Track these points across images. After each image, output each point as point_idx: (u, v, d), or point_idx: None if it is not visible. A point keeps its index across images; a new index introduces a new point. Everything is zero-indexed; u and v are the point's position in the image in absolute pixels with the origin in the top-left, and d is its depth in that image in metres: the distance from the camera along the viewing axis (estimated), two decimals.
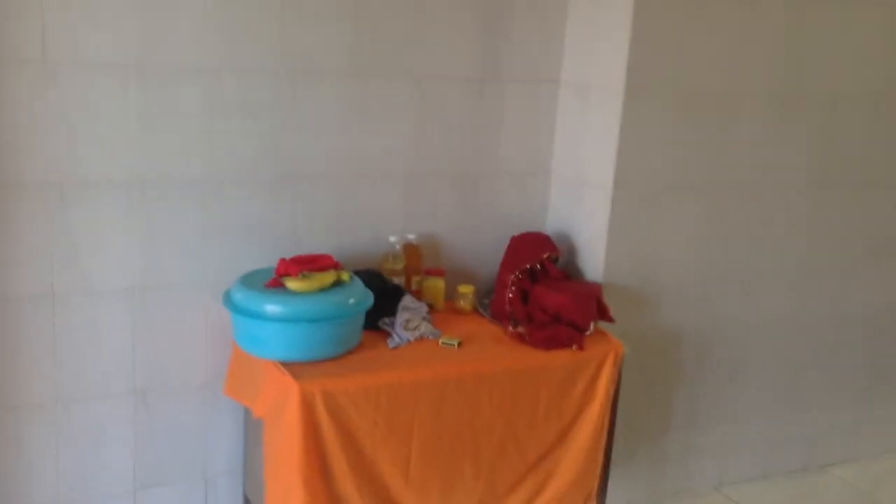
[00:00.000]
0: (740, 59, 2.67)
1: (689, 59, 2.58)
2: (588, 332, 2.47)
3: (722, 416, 3.02)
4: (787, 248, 2.95)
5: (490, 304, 2.60)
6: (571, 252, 2.72)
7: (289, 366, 2.10)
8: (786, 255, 2.96)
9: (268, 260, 2.32)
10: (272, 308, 2.10)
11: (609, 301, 2.57)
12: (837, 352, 3.19)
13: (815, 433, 3.24)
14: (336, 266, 2.27)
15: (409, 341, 2.31)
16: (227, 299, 2.18)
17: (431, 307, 2.50)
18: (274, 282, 2.18)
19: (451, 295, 2.60)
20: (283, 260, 2.23)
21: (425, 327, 2.37)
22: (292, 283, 2.16)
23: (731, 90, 2.68)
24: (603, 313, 2.54)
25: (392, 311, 2.37)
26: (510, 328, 2.45)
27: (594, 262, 2.65)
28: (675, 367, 2.87)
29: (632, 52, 2.47)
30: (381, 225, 2.54)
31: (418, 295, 2.51)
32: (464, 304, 2.59)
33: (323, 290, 2.17)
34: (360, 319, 2.24)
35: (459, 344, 2.33)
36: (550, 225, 2.79)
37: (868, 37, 2.88)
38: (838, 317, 3.14)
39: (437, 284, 2.56)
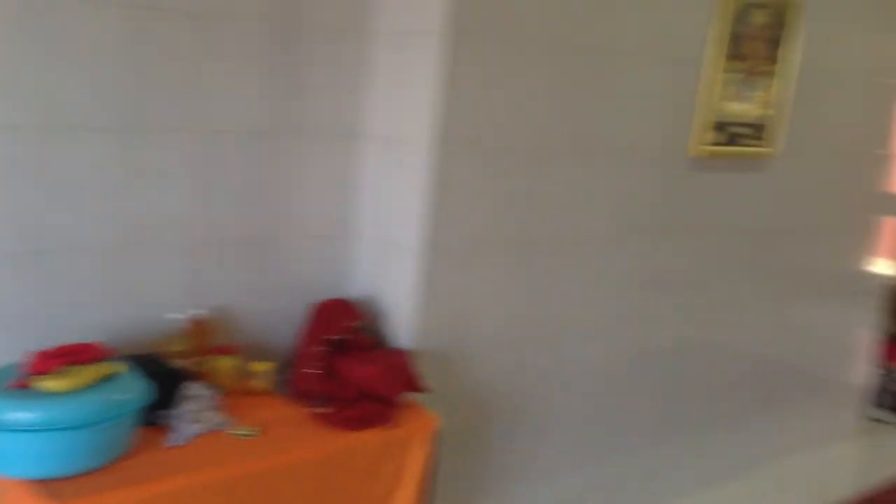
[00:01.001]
0: (547, 113, 2.59)
1: (498, 112, 2.46)
2: (399, 406, 2.27)
3: (534, 474, 2.91)
4: (591, 298, 2.89)
5: (291, 382, 2.35)
6: (380, 317, 2.52)
7: (44, 485, 1.75)
8: (593, 305, 2.90)
9: (14, 354, 1.94)
10: (19, 415, 1.74)
11: (422, 368, 2.39)
12: (639, 396, 3.17)
13: (620, 480, 3.20)
14: (105, 355, 1.94)
15: (194, 436, 2.01)
16: None
17: (222, 391, 2.21)
18: (21, 382, 1.82)
19: (245, 375, 2.32)
20: (35, 353, 1.87)
21: (214, 417, 2.08)
22: (48, 382, 1.80)
23: (540, 144, 2.59)
24: (414, 384, 2.36)
25: (174, 402, 2.06)
26: (314, 409, 2.20)
27: (404, 327, 2.46)
28: (490, 430, 2.73)
29: (440, 105, 2.32)
30: (160, 301, 2.23)
31: (206, 378, 2.21)
32: (260, 384, 2.31)
33: (88, 387, 1.83)
34: (134, 418, 1.91)
35: (255, 433, 2.06)
36: (355, 289, 2.57)
37: (653, 91, 2.90)
38: (639, 359, 3.13)
39: (229, 364, 2.27)
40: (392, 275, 2.49)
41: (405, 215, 2.43)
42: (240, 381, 2.29)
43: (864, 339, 4.05)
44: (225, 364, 2.26)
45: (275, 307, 2.44)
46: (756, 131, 3.19)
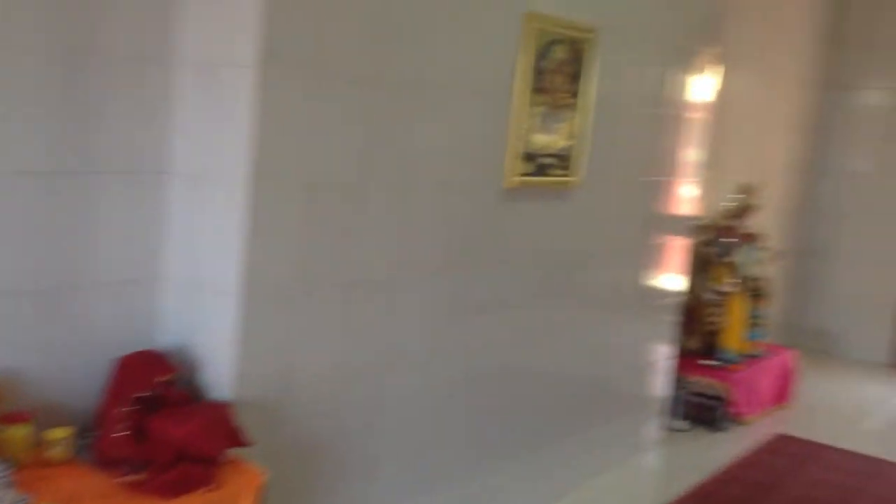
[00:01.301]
0: (363, 146, 2.52)
1: (313, 146, 2.37)
2: (222, 464, 2.10)
3: None
4: (414, 330, 2.85)
5: (96, 447, 2.11)
6: (195, 368, 2.33)
7: None
8: (416, 338, 2.86)
9: None
10: None
11: (243, 420, 2.22)
12: (463, 424, 3.16)
13: None
14: None
15: None
16: None
17: (15, 465, 1.94)
18: None
19: (41, 444, 2.06)
20: None
21: (7, 496, 1.82)
22: None
23: (358, 178, 2.52)
24: (236, 438, 2.19)
25: None
26: (125, 477, 1.99)
27: (222, 377, 2.29)
28: (319, 476, 2.60)
29: (252, 140, 2.19)
30: None
31: None
32: (59, 453, 2.06)
33: None
34: None
35: None
36: (165, 339, 2.37)
37: (466, 123, 2.92)
38: (462, 387, 3.11)
39: (20, 433, 2.01)
40: (207, 321, 2.31)
41: (219, 256, 2.27)
42: (35, 451, 2.03)
43: (663, 354, 4.28)
44: (16, 434, 2.00)
45: (72, 364, 2.19)
46: (562, 161, 3.30)
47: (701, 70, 4.04)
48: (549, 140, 3.22)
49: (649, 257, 4.02)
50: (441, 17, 2.71)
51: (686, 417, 4.54)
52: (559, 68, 3.21)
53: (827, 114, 6.49)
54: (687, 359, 4.61)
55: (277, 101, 2.24)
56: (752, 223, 5.04)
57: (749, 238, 4.95)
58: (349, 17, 2.40)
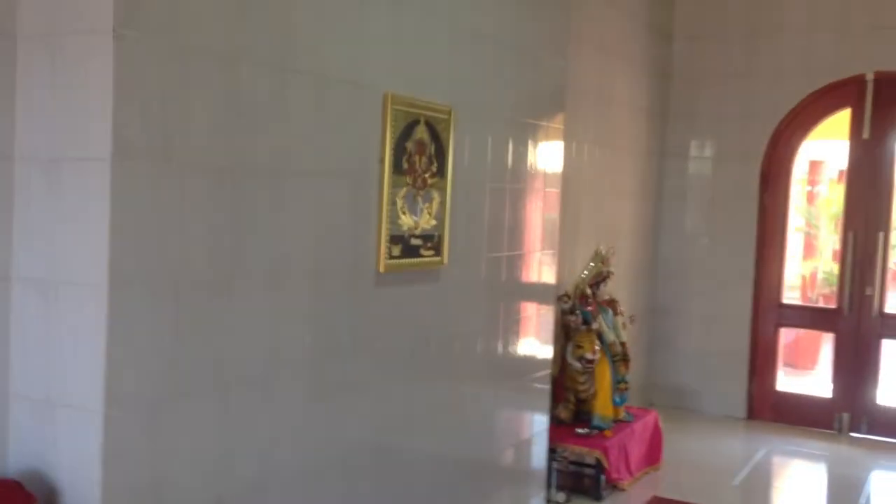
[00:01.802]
0: (228, 240, 2.40)
1: (173, 243, 2.24)
2: None
3: None
4: (291, 428, 2.71)
5: None
6: (52, 496, 2.09)
7: None
8: (291, 435, 2.71)
9: None
10: None
11: None
12: None
13: None
14: None
15: None
16: None
17: None
18: None
19: None
20: None
21: None
22: None
23: (224, 275, 2.40)
24: None
25: None
26: None
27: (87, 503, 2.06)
28: None
29: (108, 241, 2.03)
30: None
31: None
32: None
33: None
34: None
35: None
36: (16, 464, 2.12)
37: (336, 209, 2.86)
38: (332, 475, 2.99)
39: None
40: (65, 442, 2.09)
41: (79, 370, 2.07)
42: None
43: (537, 426, 4.27)
44: None
45: None
46: (429, 241, 3.28)
47: (549, 144, 4.18)
48: (415, 221, 3.20)
49: (517, 330, 4.05)
50: (299, 102, 2.66)
51: (563, 488, 4.53)
52: (420, 148, 3.22)
53: (663, 181, 6.88)
54: (559, 429, 4.63)
55: (131, 197, 2.10)
56: (609, 289, 5.20)
57: (608, 304, 5.09)
58: (203, 107, 2.31)
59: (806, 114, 6.53)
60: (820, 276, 11.47)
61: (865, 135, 6.36)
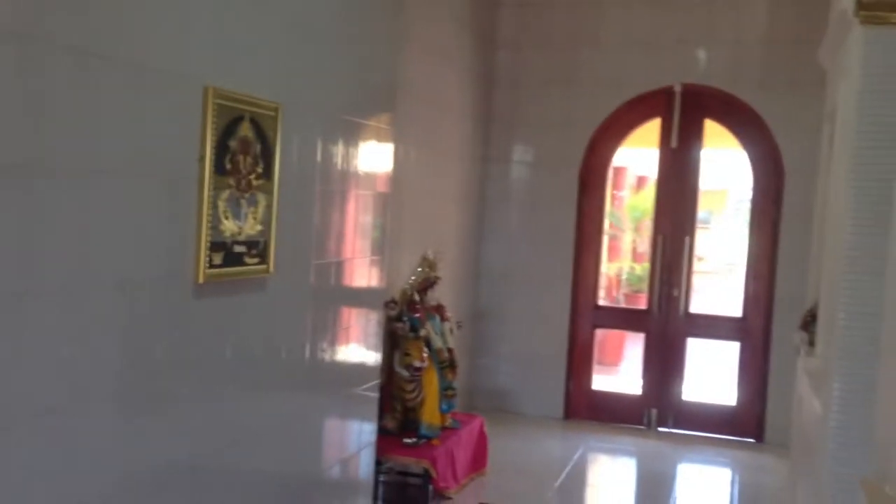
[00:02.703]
0: (24, 250, 2.09)
1: None
2: None
3: None
4: (100, 453, 2.41)
5: None
6: None
7: None
8: (100, 458, 2.42)
9: None
10: None
11: None
12: None
13: None
14: None
15: None
16: None
17: None
18: None
19: None
20: None
21: None
22: None
23: (17, 288, 2.08)
24: None
25: None
26: None
27: None
28: None
29: None
30: None
31: None
32: None
33: None
34: None
35: None
36: None
37: (151, 215, 2.59)
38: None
39: None
40: None
41: None
42: None
43: (365, 436, 4.13)
44: None
45: None
46: (254, 249, 3.05)
47: (379, 146, 4.05)
48: (239, 226, 2.96)
49: (346, 340, 3.88)
50: (107, 93, 2.36)
51: (391, 499, 4.42)
52: (245, 147, 2.98)
53: (487, 185, 6.93)
54: (387, 439, 4.51)
55: None
56: (436, 295, 5.14)
57: (435, 310, 5.02)
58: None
59: (620, 122, 6.79)
60: (623, 276, 12.10)
61: (674, 143, 6.69)
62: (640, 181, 15.40)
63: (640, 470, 5.96)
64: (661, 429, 6.59)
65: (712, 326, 6.83)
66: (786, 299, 6.23)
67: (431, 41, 5.65)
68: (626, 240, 13.05)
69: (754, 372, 6.45)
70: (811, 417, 3.62)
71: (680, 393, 6.67)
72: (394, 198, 4.45)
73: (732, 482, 5.56)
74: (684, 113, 6.63)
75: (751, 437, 6.41)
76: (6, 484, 2.09)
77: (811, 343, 3.93)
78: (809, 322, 3.99)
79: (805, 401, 4.03)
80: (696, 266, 7.15)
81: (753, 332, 6.48)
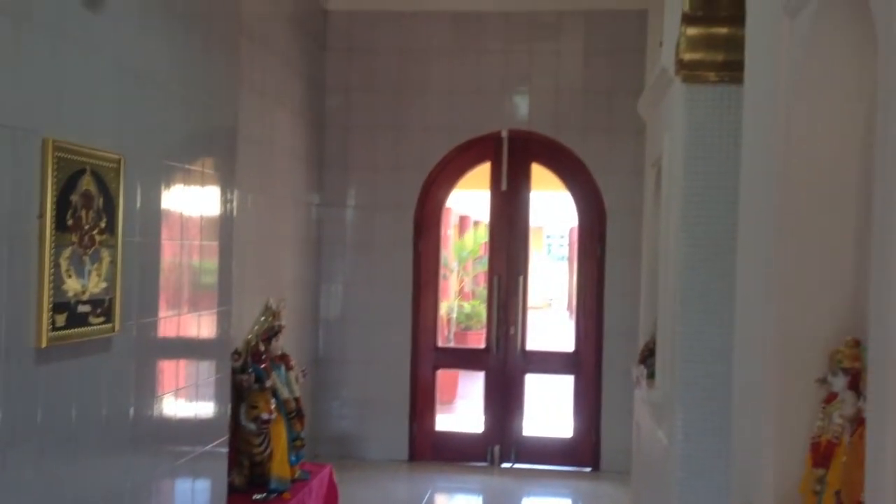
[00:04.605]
0: None
1: None
2: None
3: None
4: None
5: None
6: None
7: None
8: None
9: None
10: None
11: None
12: None
13: None
14: None
15: None
16: None
17: None
18: None
19: None
20: None
21: None
22: None
23: None
24: None
25: None
26: None
27: None
28: None
29: None
30: None
31: None
32: None
33: None
34: None
35: None
36: None
37: None
38: None
39: None
40: None
41: None
42: None
43: (216, 496, 3.95)
44: None
45: None
46: (99, 308, 2.88)
47: (221, 193, 3.95)
48: (83, 285, 2.78)
49: (193, 395, 3.72)
50: None
51: None
52: (87, 202, 2.82)
53: (323, 229, 6.89)
54: (235, 496, 4.34)
55: None
56: (281, 343, 5.02)
57: (280, 359, 4.91)
58: None
59: (452, 166, 6.97)
60: (453, 315, 12.35)
61: (503, 186, 6.94)
62: (463, 221, 15.84)
63: None
64: (504, 464, 6.74)
65: (548, 361, 7.09)
66: (614, 332, 6.58)
67: (264, 84, 5.59)
68: (454, 279, 13.32)
69: (588, 403, 6.74)
70: (655, 447, 3.84)
71: (521, 428, 6.86)
72: (235, 245, 4.34)
73: None
74: (512, 157, 6.90)
75: (588, 466, 6.67)
76: None
77: (650, 376, 4.17)
78: (647, 356, 4.24)
79: (646, 431, 4.26)
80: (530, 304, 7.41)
81: (585, 365, 6.78)
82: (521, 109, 6.86)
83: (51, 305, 2.61)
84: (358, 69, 6.91)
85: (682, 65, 3.42)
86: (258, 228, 5.45)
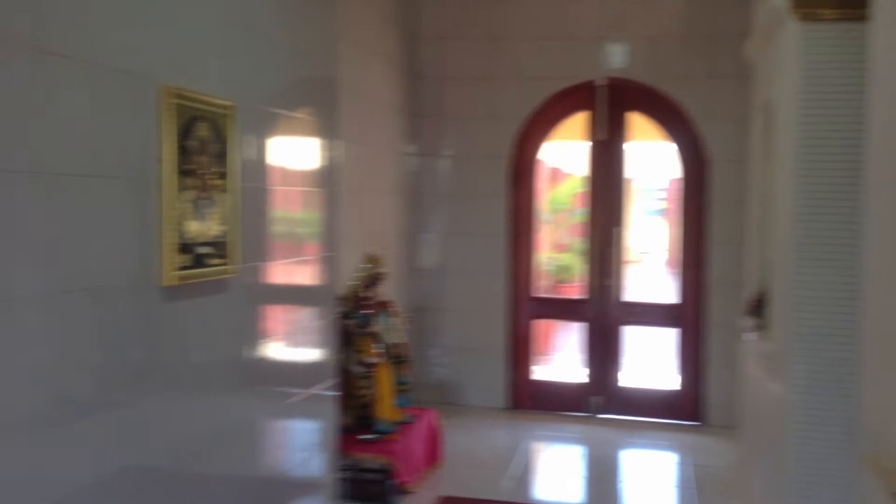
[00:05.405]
0: None
1: None
2: None
3: None
4: (77, 472, 2.32)
5: None
6: None
7: None
8: (78, 478, 2.32)
9: None
10: None
11: None
12: None
13: None
14: None
15: None
16: None
17: None
18: None
19: None
20: None
21: None
22: None
23: None
24: None
25: None
26: None
27: None
28: None
29: None
30: None
31: None
32: None
33: None
34: None
35: None
36: None
37: (113, 216, 2.49)
38: None
39: None
40: None
41: None
42: None
43: (325, 434, 4.08)
44: None
45: None
46: (218, 250, 2.97)
47: (326, 142, 4.00)
48: (202, 227, 2.88)
49: (303, 339, 3.82)
50: (63, 92, 2.26)
51: (353, 496, 4.37)
52: (204, 148, 2.91)
53: (419, 179, 6.92)
54: (344, 436, 4.46)
55: None
56: (383, 290, 5.10)
57: (383, 305, 4.99)
58: None
59: (547, 116, 6.86)
60: (550, 267, 12.28)
61: (601, 136, 6.81)
62: (555, 174, 15.64)
63: (588, 456, 6.05)
64: (602, 415, 6.71)
65: (648, 313, 6.98)
66: (717, 284, 6.43)
67: (360, 35, 5.61)
68: (549, 231, 13.21)
69: (691, 356, 6.63)
70: (767, 399, 3.75)
71: (618, 379, 6.81)
72: (339, 195, 4.40)
73: (678, 464, 5.70)
74: (610, 106, 6.75)
75: (690, 420, 6.58)
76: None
77: (762, 327, 4.06)
78: (757, 307, 4.12)
79: (755, 383, 4.16)
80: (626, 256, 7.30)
81: (688, 318, 6.65)
82: (617, 56, 6.68)
83: (175, 246, 2.70)
84: (452, 18, 6.85)
85: (795, 2, 3.26)
86: (356, 178, 5.52)
